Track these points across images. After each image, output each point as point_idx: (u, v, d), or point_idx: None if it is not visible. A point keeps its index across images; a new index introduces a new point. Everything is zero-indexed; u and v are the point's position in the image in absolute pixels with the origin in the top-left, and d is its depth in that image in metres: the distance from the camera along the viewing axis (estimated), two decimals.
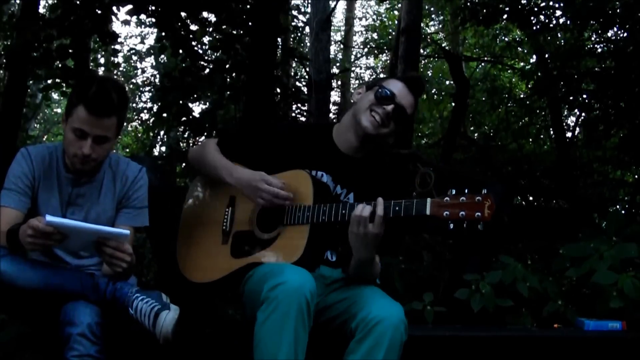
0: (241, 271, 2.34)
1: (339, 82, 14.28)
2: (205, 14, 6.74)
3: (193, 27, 6.78)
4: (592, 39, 8.20)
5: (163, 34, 6.66)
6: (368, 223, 2.12)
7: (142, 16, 7.52)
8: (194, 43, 6.84)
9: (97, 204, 2.40)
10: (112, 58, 10.12)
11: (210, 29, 7.03)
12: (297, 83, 11.04)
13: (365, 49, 16.18)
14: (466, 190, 2.09)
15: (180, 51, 6.52)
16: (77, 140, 2.26)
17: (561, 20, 7.53)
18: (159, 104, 7.77)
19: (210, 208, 2.53)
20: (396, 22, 11.89)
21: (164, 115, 7.54)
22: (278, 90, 7.58)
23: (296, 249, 2.26)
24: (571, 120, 10.24)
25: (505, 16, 7.23)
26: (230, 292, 2.43)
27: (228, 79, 7.22)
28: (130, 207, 2.43)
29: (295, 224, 2.30)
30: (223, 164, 2.46)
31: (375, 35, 16.72)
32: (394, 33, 12.31)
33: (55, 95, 10.58)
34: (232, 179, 2.41)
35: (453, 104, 9.82)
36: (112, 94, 2.23)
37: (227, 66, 6.96)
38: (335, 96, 13.83)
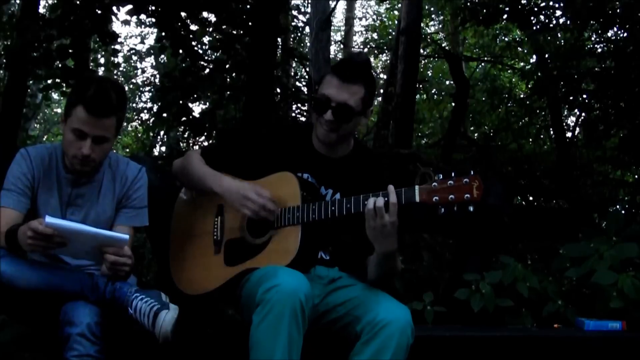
0: (236, 278, 2.33)
1: None
2: (205, 14, 6.75)
3: (193, 27, 6.79)
4: (592, 39, 8.21)
5: (163, 34, 6.66)
6: (384, 213, 2.11)
7: (142, 16, 7.52)
8: (194, 43, 6.84)
9: (97, 204, 2.40)
10: (112, 58, 10.11)
11: (210, 29, 7.04)
12: (297, 83, 11.04)
13: (365, 49, 16.15)
14: (453, 174, 2.09)
15: (180, 51, 6.52)
16: (77, 141, 2.26)
17: (561, 20, 7.54)
18: (159, 104, 7.77)
19: (198, 220, 2.50)
20: (396, 22, 11.89)
21: (164, 115, 7.54)
22: (278, 90, 7.58)
23: (289, 251, 2.26)
24: (571, 120, 10.25)
25: (505, 16, 7.24)
26: (228, 299, 2.42)
27: (228, 79, 7.22)
28: (129, 207, 2.43)
29: (286, 226, 2.30)
30: (210, 173, 2.45)
31: (375, 35, 16.73)
32: (394, 33, 12.30)
33: (55, 95, 10.59)
34: (220, 189, 2.40)
35: (453, 104, 9.81)
36: (111, 94, 2.23)
37: (227, 66, 6.96)
38: None
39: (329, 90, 2.35)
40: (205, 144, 8.01)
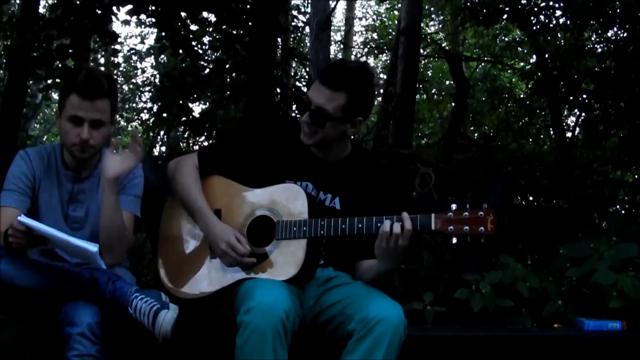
0: (234, 285, 2.30)
1: None
2: (205, 14, 6.75)
3: (193, 27, 6.79)
4: (592, 39, 8.20)
5: (163, 34, 6.66)
6: (399, 238, 2.13)
7: (142, 16, 7.52)
8: (194, 43, 6.84)
9: (98, 198, 2.41)
10: (112, 58, 10.13)
11: (210, 29, 7.04)
12: (297, 83, 11.03)
13: (365, 49, 16.17)
14: (467, 205, 2.12)
15: (180, 51, 6.52)
16: (74, 128, 2.30)
17: (561, 20, 7.53)
18: (159, 104, 7.78)
19: (192, 223, 2.45)
20: (396, 22, 11.88)
21: (164, 115, 7.54)
22: (278, 90, 7.58)
23: (293, 265, 2.23)
24: (571, 120, 10.24)
25: (505, 16, 7.23)
26: (225, 303, 2.40)
27: (228, 79, 7.22)
28: (125, 194, 2.44)
29: (291, 239, 2.26)
30: (197, 206, 2.39)
31: (375, 35, 16.73)
32: (394, 33, 12.30)
33: (55, 95, 10.57)
34: (201, 226, 2.37)
35: (453, 104, 9.81)
36: (101, 78, 2.30)
37: (227, 66, 6.96)
38: None
39: (312, 92, 2.34)
40: (205, 144, 8.01)
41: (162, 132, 10.17)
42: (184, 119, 7.48)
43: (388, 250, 2.15)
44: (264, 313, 2.00)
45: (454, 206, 2.13)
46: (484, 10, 7.14)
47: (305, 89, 9.89)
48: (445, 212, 2.13)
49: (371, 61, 16.64)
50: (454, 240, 2.12)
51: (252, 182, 2.42)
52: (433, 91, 13.18)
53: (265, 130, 2.58)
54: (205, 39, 7.74)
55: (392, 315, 2.10)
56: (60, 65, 6.24)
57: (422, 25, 9.54)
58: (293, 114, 8.83)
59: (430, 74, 14.38)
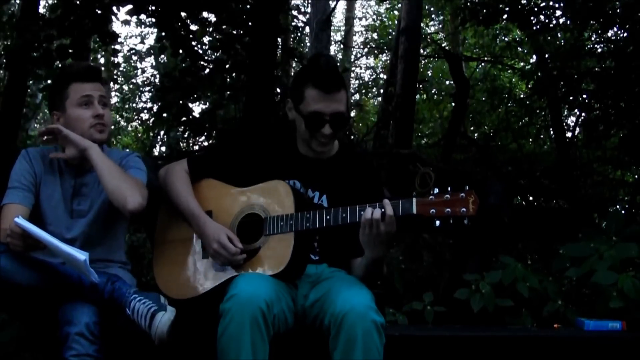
0: (226, 283, 2.30)
1: None
2: (205, 14, 6.75)
3: (193, 27, 6.79)
4: (592, 39, 8.20)
5: (163, 34, 6.66)
6: (380, 223, 2.15)
7: (142, 16, 7.52)
8: (194, 43, 6.84)
9: (100, 190, 2.43)
10: (112, 58, 10.12)
11: (210, 29, 7.04)
12: None
13: (365, 49, 16.18)
14: (449, 188, 2.13)
15: (180, 51, 6.52)
16: (86, 110, 2.41)
17: (561, 20, 7.53)
18: (159, 104, 7.77)
19: (186, 225, 2.47)
20: (396, 22, 11.89)
21: (164, 115, 7.54)
22: (278, 90, 7.58)
23: (282, 258, 2.25)
24: (571, 120, 10.23)
25: (505, 16, 7.23)
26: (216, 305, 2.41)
27: (228, 79, 7.22)
28: (129, 168, 2.47)
29: (279, 233, 2.29)
30: (190, 211, 2.41)
31: (375, 35, 16.74)
32: (394, 33, 12.30)
33: None
34: (197, 229, 2.40)
35: (453, 104, 9.81)
36: (93, 65, 2.50)
37: (227, 66, 6.96)
38: None
39: (318, 105, 2.34)
40: (205, 144, 8.01)
41: (162, 132, 10.17)
42: (184, 119, 7.47)
43: (371, 236, 2.17)
44: (243, 302, 2.02)
45: (436, 190, 2.14)
46: (484, 10, 7.15)
47: None
48: (426, 195, 2.14)
49: (371, 61, 16.67)
50: (437, 223, 2.12)
51: (242, 183, 2.45)
52: (433, 91, 13.19)
53: (253, 132, 2.62)
54: (205, 39, 7.73)
55: (357, 305, 2.07)
56: (60, 65, 6.24)
57: (422, 25, 9.55)
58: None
59: (430, 74, 14.38)
